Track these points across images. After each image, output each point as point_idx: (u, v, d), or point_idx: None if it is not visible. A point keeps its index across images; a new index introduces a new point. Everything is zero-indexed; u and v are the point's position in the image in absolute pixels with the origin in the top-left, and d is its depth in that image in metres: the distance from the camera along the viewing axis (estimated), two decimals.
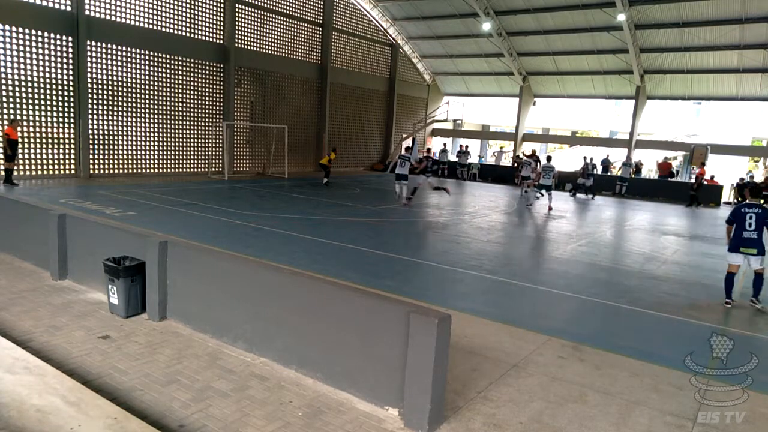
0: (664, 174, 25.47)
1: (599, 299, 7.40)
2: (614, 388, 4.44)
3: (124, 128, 18.55)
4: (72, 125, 17.09)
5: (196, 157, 20.91)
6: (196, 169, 20.87)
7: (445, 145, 30.09)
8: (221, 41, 20.94)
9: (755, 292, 7.21)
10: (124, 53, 18.04)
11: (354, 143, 28.08)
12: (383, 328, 3.86)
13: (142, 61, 18.64)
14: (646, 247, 11.91)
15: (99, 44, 17.34)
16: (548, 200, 16.48)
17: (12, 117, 15.36)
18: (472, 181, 26.49)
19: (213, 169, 21.04)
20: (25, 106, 15.97)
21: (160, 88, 19.25)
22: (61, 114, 16.81)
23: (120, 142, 18.62)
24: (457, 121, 34.36)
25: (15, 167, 14.85)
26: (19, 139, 15.19)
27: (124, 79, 18.32)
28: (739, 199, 21.92)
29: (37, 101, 16.21)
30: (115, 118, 18.20)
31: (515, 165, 25.89)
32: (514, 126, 30.19)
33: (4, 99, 15.48)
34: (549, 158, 18.24)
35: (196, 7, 20.10)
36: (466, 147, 29.39)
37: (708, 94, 25.93)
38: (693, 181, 21.86)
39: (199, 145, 20.91)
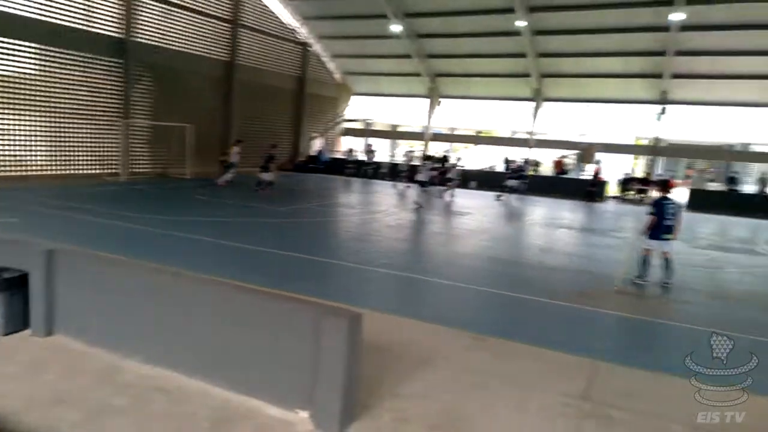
0: (559, 171, 27.25)
1: (500, 291, 7.81)
2: (514, 374, 4.70)
3: (6, 127, 16.79)
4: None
5: (89, 157, 19.37)
6: (89, 171, 19.34)
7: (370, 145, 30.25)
8: (120, 35, 19.56)
9: (669, 275, 8.17)
10: (4, 45, 16.32)
11: (263, 143, 27.33)
12: (293, 331, 3.81)
13: (28, 55, 16.97)
14: (542, 240, 12.68)
15: None
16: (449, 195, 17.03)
17: None
18: (381, 180, 26.80)
19: (108, 171, 19.63)
20: None
21: (48, 84, 17.59)
22: None
23: (0, 142, 16.86)
24: (368, 120, 34.63)
25: None
26: None
27: (6, 74, 16.57)
28: (625, 193, 24.04)
29: None
30: None
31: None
32: (422, 126, 30.97)
33: None
34: (445, 158, 19.05)
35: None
36: (371, 146, 29.76)
37: (597, 97, 28.09)
38: (591, 178, 23.52)
39: (94, 145, 19.40)
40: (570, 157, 32.53)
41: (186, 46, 22.41)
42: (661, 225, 8.15)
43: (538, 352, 5.27)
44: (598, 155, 26.64)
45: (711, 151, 34.31)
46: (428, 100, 30.05)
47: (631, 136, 36.00)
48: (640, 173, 27.66)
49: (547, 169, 30.34)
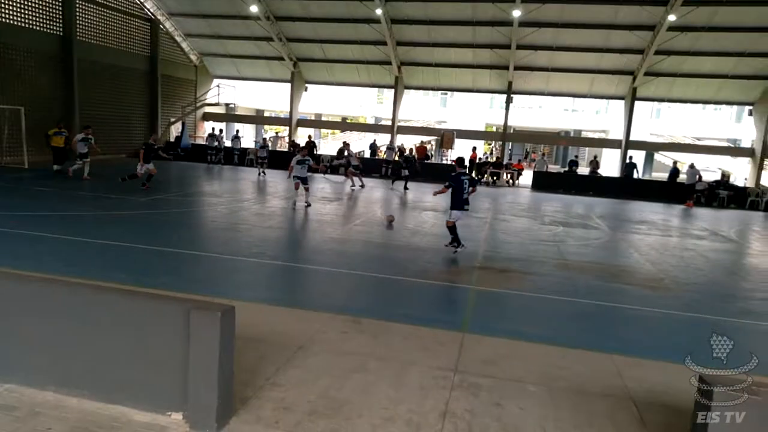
0: (422, 157, 28.58)
1: (374, 273, 8.05)
2: (390, 353, 4.91)
3: None
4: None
5: None
6: None
7: (214, 129, 28.89)
8: None
9: (453, 241, 9.33)
10: None
11: (112, 128, 24.91)
12: (160, 329, 3.60)
13: None
14: (411, 222, 13.27)
15: None
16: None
17: None
18: (250, 167, 25.97)
19: None
20: None
21: None
22: None
23: None
24: (230, 105, 33.17)
25: None
26: None
27: None
28: (478, 176, 25.94)
29: None
30: None
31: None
32: (287, 111, 30.46)
33: None
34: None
35: None
36: (237, 131, 28.71)
37: (452, 86, 29.86)
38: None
39: None
40: (431, 142, 34.24)
41: (7, 16, 19.51)
42: (461, 197, 9.15)
43: (413, 329, 5.55)
44: (454, 141, 28.37)
45: (550, 137, 38.23)
46: (291, 85, 29.53)
47: (482, 123, 38.93)
48: (492, 158, 30.00)
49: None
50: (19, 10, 19.92)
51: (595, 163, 26.34)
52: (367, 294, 7.29)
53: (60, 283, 4.25)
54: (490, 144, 40.52)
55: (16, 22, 19.83)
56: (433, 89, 30.60)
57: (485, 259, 9.20)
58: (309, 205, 13.85)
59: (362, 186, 19.59)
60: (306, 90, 30.62)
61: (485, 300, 7.12)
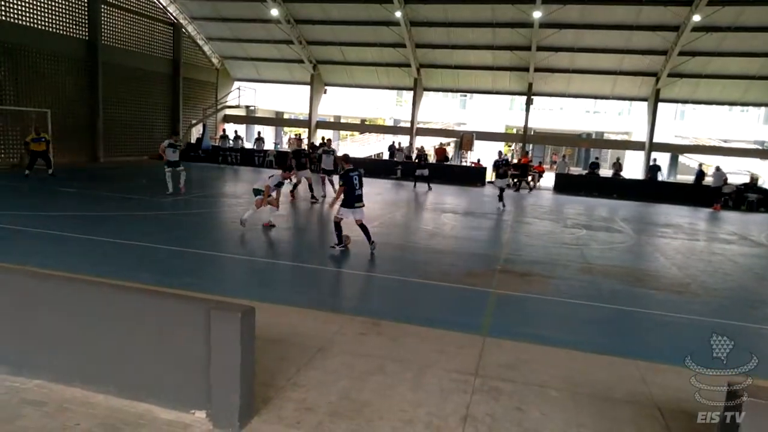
0: (440, 158, 28.52)
1: (393, 275, 8.04)
2: (409, 355, 4.90)
3: None
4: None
5: None
6: None
7: (236, 132, 29.21)
8: None
9: (369, 239, 9.04)
10: None
11: (136, 130, 25.40)
12: (182, 329, 3.65)
13: None
14: (430, 224, 13.23)
15: None
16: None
17: None
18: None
19: None
20: None
21: None
22: None
23: None
24: (251, 107, 33.50)
25: None
26: None
27: None
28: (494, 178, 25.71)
29: None
30: None
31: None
32: (307, 113, 30.65)
33: None
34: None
35: None
36: (259, 133, 29.06)
37: (471, 88, 29.75)
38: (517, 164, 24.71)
39: None
40: (450, 144, 34.14)
41: (36, 21, 20.00)
42: (353, 195, 8.93)
43: (432, 332, 5.53)
44: (473, 142, 28.27)
45: (571, 139, 37.78)
46: (310, 87, 29.72)
47: (501, 125, 38.68)
48: (513, 159, 29.76)
49: (430, 157, 31.61)
50: (46, 15, 20.39)
51: (618, 166, 25.95)
52: (385, 296, 7.29)
53: (86, 282, 4.33)
54: (510, 146, 40.23)
55: (43, 27, 20.31)
56: (452, 91, 30.52)
57: (506, 262, 9.13)
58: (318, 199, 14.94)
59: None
60: (325, 92, 30.79)
61: (506, 303, 7.06)
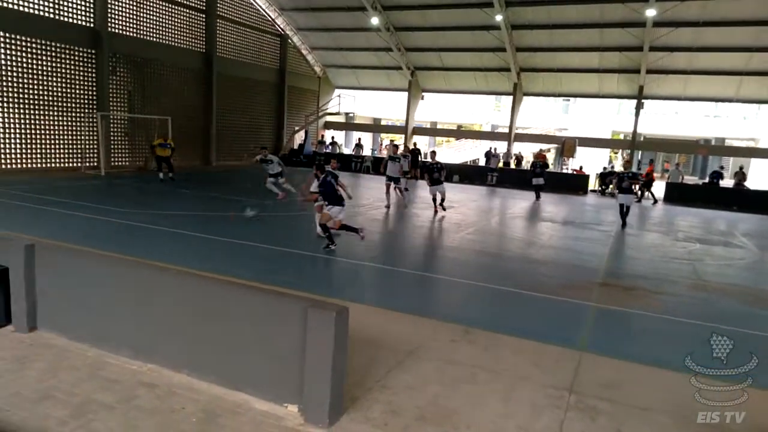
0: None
1: (487, 284, 7.87)
2: (501, 366, 4.76)
3: None
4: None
5: (67, 150, 19.00)
6: (67, 164, 18.99)
7: (333, 138, 30.16)
8: (92, 25, 19.16)
9: (357, 231, 9.38)
10: None
11: (244, 136, 27.13)
12: (279, 325, 3.81)
13: None
14: (526, 233, 12.82)
15: None
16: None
17: None
18: (366, 174, 26.80)
19: (87, 164, 19.29)
20: None
21: (20, 75, 17.18)
22: None
23: None
24: (350, 114, 34.50)
25: None
26: None
27: None
28: (603, 186, 24.35)
29: None
30: None
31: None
32: (404, 120, 30.99)
33: None
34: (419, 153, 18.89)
35: None
36: (359, 140, 29.82)
37: (574, 92, 28.45)
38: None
39: (70, 137, 19.02)
40: (550, 150, 32.94)
41: (162, 36, 22.05)
42: (336, 195, 9.17)
43: (525, 344, 5.34)
44: (575, 149, 27.02)
45: (687, 145, 34.87)
46: (408, 94, 30.01)
47: (607, 130, 36.56)
48: (619, 167, 28.04)
49: (528, 163, 30.69)
50: (171, 31, 22.42)
51: (741, 175, 23.55)
52: (477, 304, 7.15)
53: (195, 276, 4.67)
54: (616, 153, 37.95)
55: (168, 42, 22.32)
56: (554, 95, 29.38)
57: (608, 275, 8.60)
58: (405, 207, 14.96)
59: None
60: (422, 98, 30.96)
61: (606, 318, 6.65)
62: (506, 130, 29.02)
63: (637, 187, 19.05)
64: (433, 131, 38.00)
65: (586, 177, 24.97)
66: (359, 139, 29.96)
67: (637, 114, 25.68)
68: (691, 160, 44.01)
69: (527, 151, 31.85)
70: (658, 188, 22.83)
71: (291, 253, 8.94)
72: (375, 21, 25.32)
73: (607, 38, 23.53)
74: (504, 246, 11.09)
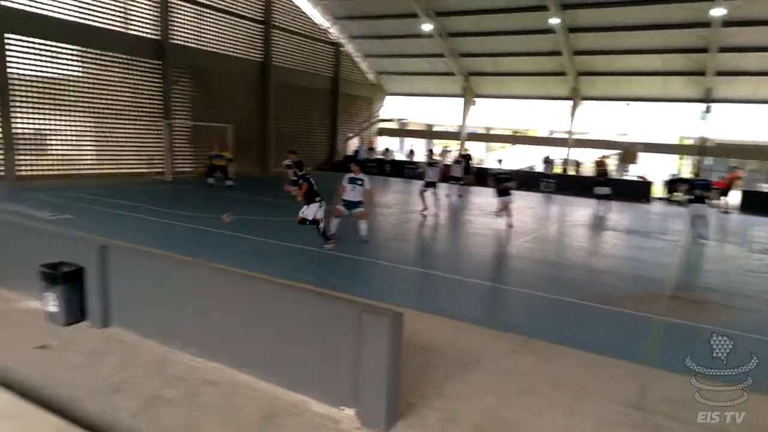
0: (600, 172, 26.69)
1: (546, 293, 7.65)
2: (562, 378, 4.61)
3: (55, 127, 17.51)
4: None
5: (135, 157, 20.05)
6: (135, 170, 20.01)
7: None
8: (157, 37, 20.16)
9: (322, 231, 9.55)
10: (49, 48, 16.98)
11: (299, 143, 27.70)
12: (336, 328, 3.84)
13: (72, 57, 17.65)
14: (587, 242, 12.42)
15: (21, 38, 16.21)
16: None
17: None
18: (420, 180, 26.76)
19: (154, 170, 20.25)
20: None
21: (93, 86, 18.29)
22: None
23: (51, 142, 17.57)
24: (403, 120, 34.61)
25: None
26: None
27: (53, 76, 17.26)
28: (669, 195, 23.27)
29: None
30: (43, 116, 17.14)
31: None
32: (457, 126, 30.79)
33: None
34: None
35: (130, 2, 19.24)
36: (412, 146, 29.88)
37: (636, 95, 27.37)
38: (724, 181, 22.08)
39: (138, 144, 20.06)
40: (611, 157, 31.84)
41: (221, 47, 22.89)
42: (313, 191, 9.50)
43: (588, 356, 5.15)
44: (640, 155, 26.00)
45: (763, 151, 32.82)
46: (460, 100, 29.84)
47: (674, 136, 34.93)
48: (686, 174, 26.77)
49: (587, 169, 29.81)
50: (230, 42, 23.26)
51: None
52: (536, 314, 6.96)
53: (256, 279, 4.79)
54: (683, 159, 36.17)
55: (227, 53, 23.16)
56: (613, 99, 28.35)
57: (677, 287, 8.20)
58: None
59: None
60: (474, 104, 30.65)
61: (674, 332, 6.33)
62: (564, 136, 28.31)
63: (711, 196, 17.89)
64: (487, 137, 37.51)
65: (650, 184, 23.95)
66: (412, 145, 29.99)
67: (704, 118, 24.43)
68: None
69: (588, 158, 30.90)
70: (734, 197, 21.54)
71: (345, 258, 9.03)
72: (427, 27, 25.35)
73: (671, 39, 22.55)
74: (564, 254, 10.78)
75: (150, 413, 3.63)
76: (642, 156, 26.62)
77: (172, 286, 4.69)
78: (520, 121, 39.16)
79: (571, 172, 27.05)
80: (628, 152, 26.43)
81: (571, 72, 25.76)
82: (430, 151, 17.06)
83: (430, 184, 14.91)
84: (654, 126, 34.85)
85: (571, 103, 27.21)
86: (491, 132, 37.15)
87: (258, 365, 4.22)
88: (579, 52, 25.02)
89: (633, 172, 27.16)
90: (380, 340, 3.57)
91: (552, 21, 22.63)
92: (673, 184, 23.39)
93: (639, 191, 23.14)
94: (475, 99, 30.37)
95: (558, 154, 27.78)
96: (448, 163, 20.74)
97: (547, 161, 24.94)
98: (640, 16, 21.91)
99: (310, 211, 9.46)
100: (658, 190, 24.39)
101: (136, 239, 8.71)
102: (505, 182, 13.38)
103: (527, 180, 24.65)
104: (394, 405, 3.73)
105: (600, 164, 24.21)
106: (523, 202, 19.57)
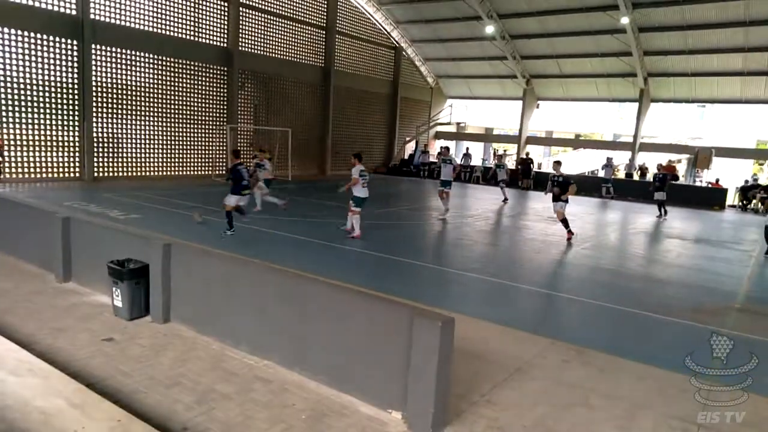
0: (670, 177, 25.41)
1: (603, 302, 7.37)
2: (619, 391, 4.42)
3: (128, 131, 18.62)
4: (77, 128, 17.13)
5: (199, 159, 20.98)
6: (199, 172, 20.92)
7: (468, 149, 29.97)
8: (225, 44, 21.00)
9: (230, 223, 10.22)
10: (128, 56, 18.09)
11: (358, 146, 28.03)
12: (386, 331, 3.85)
13: (146, 65, 18.71)
14: (650, 250, 11.86)
15: (103, 48, 17.39)
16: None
17: None
18: (475, 184, 26.48)
19: (216, 172, 21.09)
20: (29, 109, 16.01)
21: (163, 91, 19.32)
22: (65, 117, 16.86)
23: (124, 145, 18.69)
24: (461, 123, 34.30)
25: None
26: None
27: (128, 82, 18.37)
28: (744, 201, 21.84)
29: (41, 104, 16.26)
30: (119, 121, 18.27)
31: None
32: (517, 129, 30.19)
33: (9, 102, 15.52)
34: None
35: (200, 11, 20.18)
36: (467, 149, 29.56)
37: (712, 97, 25.85)
38: None
39: (203, 147, 20.97)
40: (681, 161, 30.30)
41: (285, 53, 23.55)
42: (240, 184, 10.28)
43: (647, 369, 4.91)
44: (711, 159, 24.54)
45: None
46: (522, 102, 29.21)
47: (751, 140, 32.71)
48: (764, 180, 25.06)
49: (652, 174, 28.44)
50: (294, 48, 23.90)
51: None
52: (592, 323, 6.72)
53: (309, 279, 4.88)
54: (761, 164, 33.85)
55: (291, 58, 23.80)
56: (686, 102, 26.89)
57: (748, 300, 7.68)
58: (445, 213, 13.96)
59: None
60: (537, 107, 29.95)
61: (743, 347, 5.92)
62: (630, 139, 27.15)
63: None
64: (547, 140, 36.56)
65: (724, 191, 22.56)
66: (467, 148, 29.64)
67: None
68: None
69: (654, 162, 29.49)
70: None
71: (398, 262, 9.04)
72: (490, 30, 25.02)
73: (754, 37, 21.15)
74: (624, 263, 10.34)
75: (204, 407, 3.77)
76: (715, 161, 25.10)
77: (228, 285, 4.86)
78: (583, 125, 37.90)
79: (636, 177, 25.87)
80: (701, 157, 24.99)
81: (641, 73, 24.67)
82: (446, 149, 16.11)
83: (446, 183, 14.25)
84: (729, 129, 32.78)
85: (638, 105, 26.04)
86: (552, 135, 36.19)
87: (309, 365, 4.30)
88: (650, 52, 23.94)
89: (706, 178, 25.69)
90: (431, 345, 3.55)
91: (623, 20, 21.76)
92: (748, 190, 21.94)
93: (711, 198, 21.85)
94: (538, 102, 29.68)
95: (623, 158, 26.63)
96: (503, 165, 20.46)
97: (608, 165, 23.88)
98: (721, 13, 20.70)
99: (230, 199, 10.33)
100: (731, 197, 22.94)
101: (196, 238, 9.09)
102: (555, 186, 12.05)
103: (588, 185, 23.81)
104: (442, 411, 3.70)
105: (662, 168, 22.97)
106: (582, 207, 18.96)
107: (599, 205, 20.40)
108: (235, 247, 8.61)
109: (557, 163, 12.49)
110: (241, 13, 21.29)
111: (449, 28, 27.30)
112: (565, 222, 11.78)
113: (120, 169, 18.65)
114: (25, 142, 16.08)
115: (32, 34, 15.81)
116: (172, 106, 19.64)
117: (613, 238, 13.26)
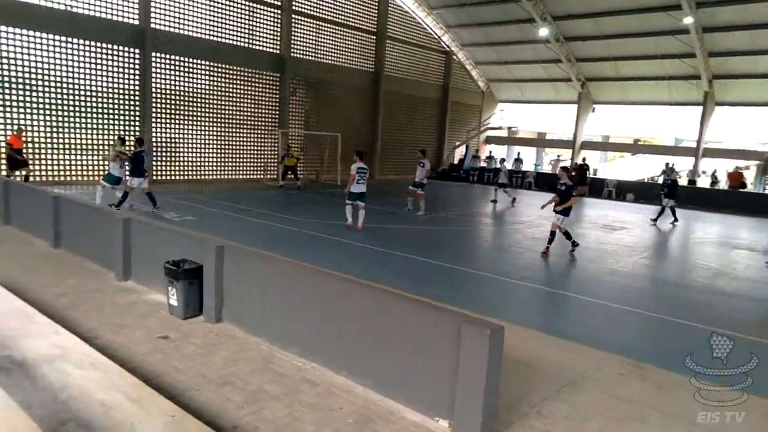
0: (735, 185, 24.08)
1: (663, 315, 7.04)
2: (678, 409, 4.19)
3: (185, 136, 19.33)
4: (137, 134, 17.90)
5: (252, 163, 21.53)
6: (252, 176, 21.47)
7: (519, 154, 29.55)
8: (278, 51, 21.50)
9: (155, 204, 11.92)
10: (186, 64, 18.81)
11: (407, 151, 28.06)
12: (434, 338, 3.81)
13: (203, 72, 19.39)
14: (714, 261, 11.26)
15: (163, 56, 18.15)
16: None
17: (18, 127, 14.91)
18: (527, 190, 25.95)
19: (268, 176, 21.58)
20: (93, 116, 16.88)
21: (219, 97, 19.96)
22: (127, 123, 17.66)
23: (181, 150, 19.42)
24: (512, 128, 33.73)
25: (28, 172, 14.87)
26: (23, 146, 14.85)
27: (186, 89, 19.09)
28: None
29: (104, 111, 17.10)
30: (176, 126, 18.99)
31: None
32: (571, 133, 29.41)
33: (74, 109, 16.41)
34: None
35: (254, 19, 20.75)
36: (519, 154, 28.99)
37: None
38: None
39: (256, 152, 21.51)
40: (749, 168, 28.72)
41: (335, 59, 23.87)
42: (140, 168, 11.74)
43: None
44: None
45: None
46: (577, 106, 28.43)
47: None
48: None
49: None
50: (344, 53, 24.20)
51: None
52: (652, 337, 6.41)
53: (358, 284, 4.89)
54: None
55: (340, 64, 24.11)
56: (755, 105, 25.44)
57: None
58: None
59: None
60: (593, 111, 29.09)
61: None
62: (693, 145, 25.94)
63: None
64: (603, 145, 35.41)
65: None
66: (518, 153, 29.08)
67: None
68: None
69: (722, 168, 28.05)
70: None
71: (447, 268, 8.96)
72: (544, 32, 24.52)
73: None
74: (685, 274, 9.85)
75: (254, 407, 3.84)
76: None
77: (279, 287, 4.94)
78: (643, 129, 36.50)
79: (702, 184, 24.62)
80: None
81: (705, 75, 23.54)
82: (422, 152, 15.77)
83: (417, 185, 14.65)
84: None
85: (702, 108, 24.82)
86: (609, 140, 35.05)
87: (356, 369, 4.30)
88: (715, 53, 22.82)
89: None
90: (479, 353, 3.48)
91: (686, 20, 20.84)
92: None
93: None
94: (594, 106, 28.83)
95: (686, 164, 25.43)
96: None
97: (668, 170, 22.81)
98: None
99: (133, 183, 11.78)
100: None
101: (248, 240, 9.31)
102: (559, 195, 10.45)
103: (646, 192, 22.87)
104: (490, 421, 3.61)
105: (734, 175, 21.78)
106: (641, 215, 18.23)
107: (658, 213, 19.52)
108: (286, 249, 8.76)
109: (564, 170, 10.98)
110: (293, 20, 21.75)
111: (501, 32, 26.95)
112: (567, 234, 10.49)
113: (177, 172, 19.38)
114: (88, 147, 16.95)
115: (96, 44, 16.61)
116: (226, 112, 20.25)
117: (673, 247, 12.66)
